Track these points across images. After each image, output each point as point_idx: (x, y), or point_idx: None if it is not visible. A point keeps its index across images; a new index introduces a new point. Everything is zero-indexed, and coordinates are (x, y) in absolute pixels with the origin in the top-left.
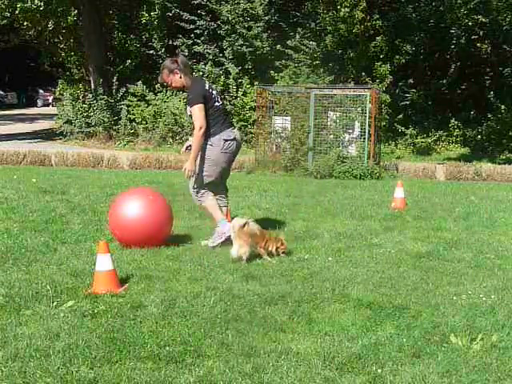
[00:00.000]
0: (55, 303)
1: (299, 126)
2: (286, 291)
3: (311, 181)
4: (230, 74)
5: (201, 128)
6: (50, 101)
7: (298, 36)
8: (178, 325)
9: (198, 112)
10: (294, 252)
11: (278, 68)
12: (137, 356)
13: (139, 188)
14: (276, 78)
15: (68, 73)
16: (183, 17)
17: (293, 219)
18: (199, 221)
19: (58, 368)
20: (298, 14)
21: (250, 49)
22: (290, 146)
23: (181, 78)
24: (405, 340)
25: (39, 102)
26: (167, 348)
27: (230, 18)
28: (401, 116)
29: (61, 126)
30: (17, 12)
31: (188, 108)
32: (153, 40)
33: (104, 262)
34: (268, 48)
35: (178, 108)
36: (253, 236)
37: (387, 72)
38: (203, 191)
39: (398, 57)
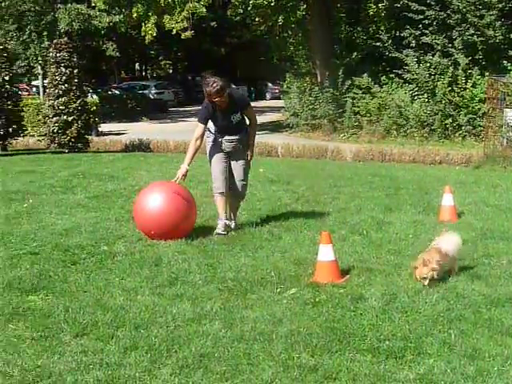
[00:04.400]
0: (279, 289)
1: None
2: None
3: None
4: (459, 64)
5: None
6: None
7: None
8: (398, 320)
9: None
10: None
11: (511, 58)
12: (356, 348)
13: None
14: (509, 68)
15: (295, 66)
16: (411, 7)
17: None
18: (422, 216)
19: (281, 353)
20: None
21: (482, 38)
22: None
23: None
24: None
25: (268, 95)
26: (387, 342)
27: (460, 7)
28: None
29: (287, 119)
30: (249, 8)
31: (238, 114)
32: (380, 32)
33: (326, 253)
34: (501, 37)
35: (403, 100)
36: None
37: None
38: (248, 180)
39: None
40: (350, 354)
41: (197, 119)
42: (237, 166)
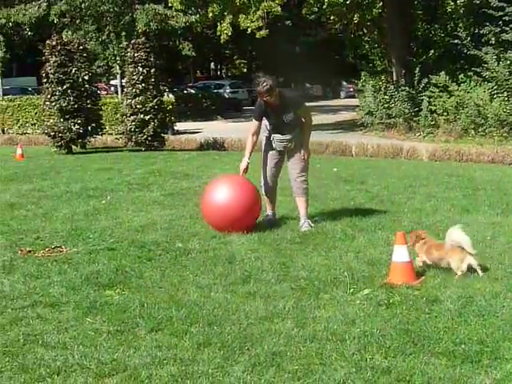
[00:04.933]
0: (352, 290)
1: None
2: None
3: None
4: None
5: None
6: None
7: None
8: (474, 324)
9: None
10: None
11: None
12: (431, 351)
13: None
14: None
15: (371, 65)
16: (491, 4)
17: None
18: (500, 217)
19: (353, 353)
20: None
21: None
22: None
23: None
24: None
25: (342, 94)
26: (463, 346)
27: None
28: None
29: (362, 117)
30: (324, 7)
31: (291, 113)
32: (458, 29)
33: (401, 253)
34: None
35: (481, 99)
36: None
37: None
38: (307, 176)
39: None
40: (425, 356)
41: (252, 117)
42: (293, 164)
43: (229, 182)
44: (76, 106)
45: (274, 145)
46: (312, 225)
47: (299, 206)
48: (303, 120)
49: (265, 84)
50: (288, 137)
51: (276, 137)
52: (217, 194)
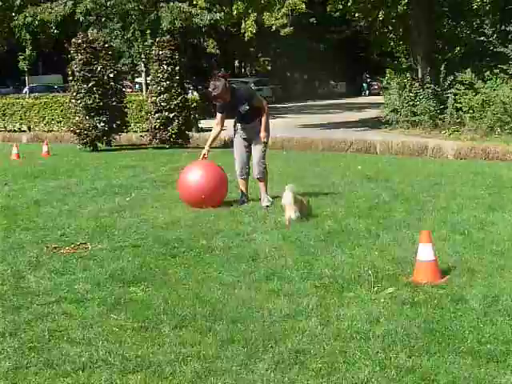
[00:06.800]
0: (376, 288)
1: None
2: None
3: None
4: None
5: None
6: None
7: None
8: (500, 323)
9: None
10: None
11: None
12: (456, 350)
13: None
14: None
15: (396, 62)
16: None
17: None
18: None
19: (377, 352)
20: None
21: None
22: None
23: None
24: None
25: (367, 92)
26: (488, 346)
27: None
28: None
29: (387, 115)
30: (349, 4)
31: (244, 105)
32: (484, 26)
33: (426, 252)
34: None
35: (508, 96)
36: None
37: None
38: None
39: None
40: (450, 356)
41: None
42: (256, 151)
43: (199, 165)
44: (101, 103)
45: (240, 132)
46: (271, 200)
47: (261, 187)
48: (261, 108)
49: (214, 91)
50: (251, 125)
51: (240, 125)
52: (190, 175)
